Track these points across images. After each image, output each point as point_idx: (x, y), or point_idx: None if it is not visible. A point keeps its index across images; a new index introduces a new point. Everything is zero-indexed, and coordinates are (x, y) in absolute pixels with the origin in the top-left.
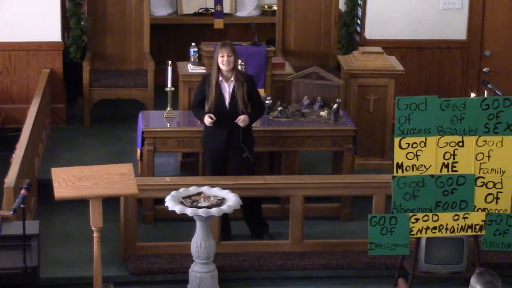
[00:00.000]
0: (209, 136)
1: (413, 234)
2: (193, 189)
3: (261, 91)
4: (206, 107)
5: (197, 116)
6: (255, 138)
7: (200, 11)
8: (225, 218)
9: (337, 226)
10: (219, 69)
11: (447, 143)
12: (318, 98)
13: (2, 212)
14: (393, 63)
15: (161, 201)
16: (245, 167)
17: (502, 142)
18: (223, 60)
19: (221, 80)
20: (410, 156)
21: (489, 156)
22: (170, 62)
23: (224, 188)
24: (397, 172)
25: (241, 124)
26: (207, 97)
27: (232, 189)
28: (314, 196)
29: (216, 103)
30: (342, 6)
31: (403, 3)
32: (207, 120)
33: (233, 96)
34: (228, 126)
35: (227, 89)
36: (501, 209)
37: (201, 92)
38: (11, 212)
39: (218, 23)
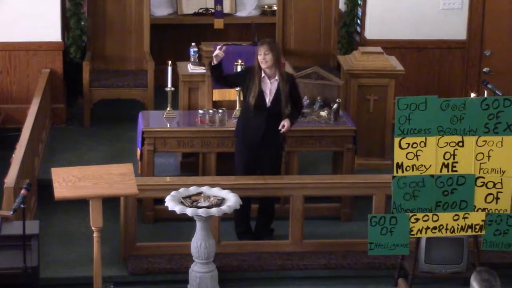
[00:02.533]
0: (245, 130)
1: (413, 234)
2: (193, 189)
3: None
4: (247, 102)
5: (210, 70)
6: None
7: (200, 11)
8: (245, 215)
9: (337, 226)
10: (260, 66)
11: (447, 143)
12: (318, 98)
13: (2, 212)
14: (393, 63)
15: (161, 201)
16: (277, 165)
17: (502, 142)
18: (261, 58)
19: (264, 76)
20: (410, 156)
21: (489, 156)
22: (170, 62)
23: (224, 188)
24: (397, 172)
25: (285, 131)
26: (248, 91)
27: (232, 189)
28: (314, 196)
29: (257, 98)
30: (342, 6)
31: (403, 3)
32: (216, 53)
33: (276, 94)
34: (267, 123)
35: (269, 85)
36: (501, 209)
37: (237, 77)
38: (11, 212)
39: (218, 23)
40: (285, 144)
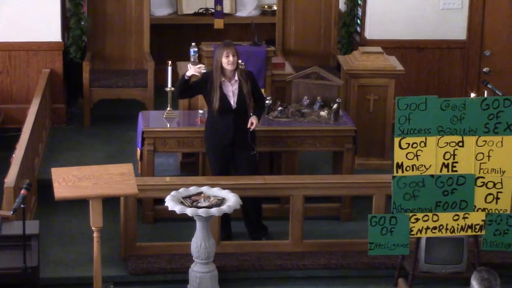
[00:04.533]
0: (214, 134)
1: (413, 234)
2: (193, 189)
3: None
4: (211, 107)
5: (179, 82)
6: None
7: (200, 11)
8: (225, 219)
9: (337, 226)
10: (222, 69)
11: (447, 143)
12: (318, 98)
13: (2, 212)
14: (393, 63)
15: (161, 201)
16: (252, 165)
17: (502, 142)
18: (228, 60)
19: (224, 80)
20: (410, 156)
21: (489, 156)
22: (170, 62)
23: (224, 188)
24: (397, 172)
25: (254, 127)
26: (210, 97)
27: (232, 189)
28: (314, 196)
29: (221, 103)
30: (342, 6)
31: (403, 3)
32: (194, 69)
33: (239, 94)
34: (235, 124)
35: (230, 88)
36: (501, 209)
37: (197, 85)
38: (11, 212)
39: (218, 23)
40: (254, 145)
